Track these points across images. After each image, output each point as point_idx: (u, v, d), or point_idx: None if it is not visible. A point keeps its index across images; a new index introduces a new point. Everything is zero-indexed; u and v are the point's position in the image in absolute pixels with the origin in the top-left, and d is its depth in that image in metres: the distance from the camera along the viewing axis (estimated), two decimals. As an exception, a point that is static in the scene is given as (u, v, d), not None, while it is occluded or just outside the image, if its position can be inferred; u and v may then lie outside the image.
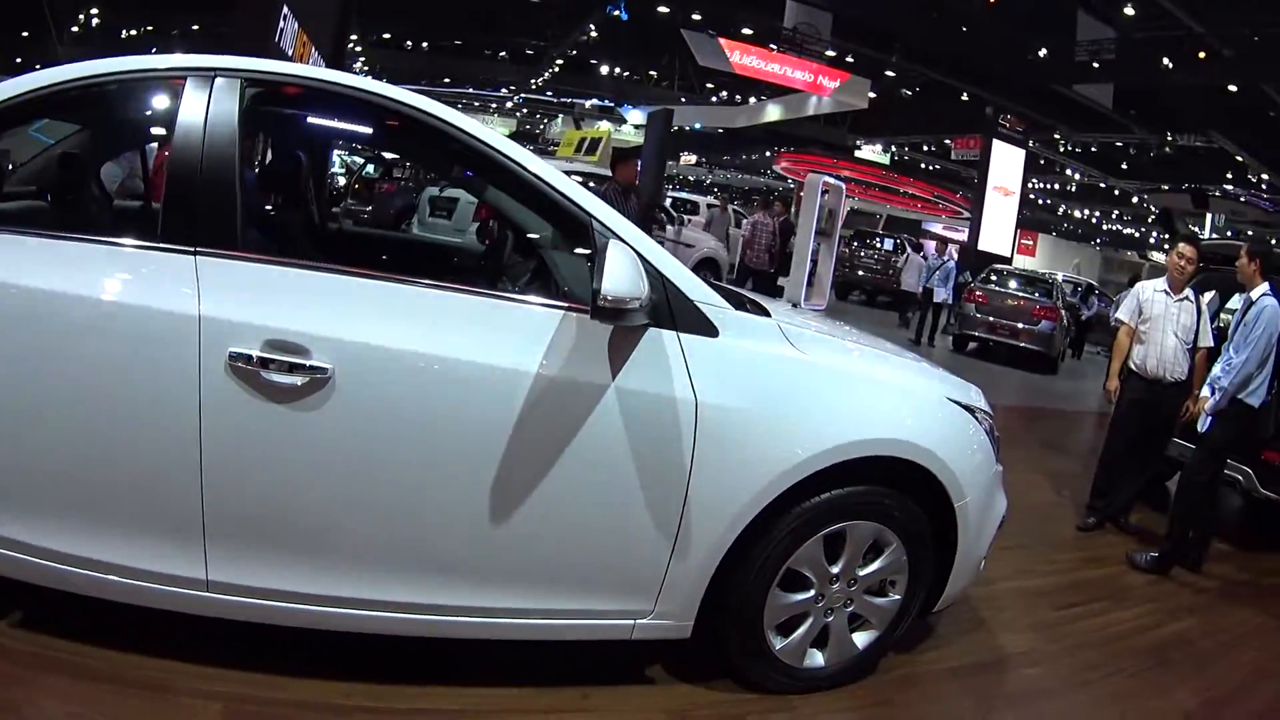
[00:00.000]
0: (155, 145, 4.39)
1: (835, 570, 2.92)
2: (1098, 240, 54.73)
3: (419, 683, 2.74)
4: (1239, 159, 30.10)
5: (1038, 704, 3.47)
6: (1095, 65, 24.48)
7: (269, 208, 4.07)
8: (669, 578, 2.65)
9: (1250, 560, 6.10)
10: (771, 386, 2.72)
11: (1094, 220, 49.67)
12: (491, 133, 2.73)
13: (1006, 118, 28.49)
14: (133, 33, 34.12)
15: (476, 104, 43.27)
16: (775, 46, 26.90)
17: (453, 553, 2.52)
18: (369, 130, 4.01)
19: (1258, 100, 24.71)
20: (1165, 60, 23.10)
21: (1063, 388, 14.83)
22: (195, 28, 34.77)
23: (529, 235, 3.49)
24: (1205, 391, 5.36)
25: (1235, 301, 6.43)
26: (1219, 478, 5.49)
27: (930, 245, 16.87)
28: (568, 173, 2.82)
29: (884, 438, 2.87)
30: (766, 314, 3.00)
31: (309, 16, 9.04)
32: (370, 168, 15.11)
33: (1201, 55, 22.67)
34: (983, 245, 27.69)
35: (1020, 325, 15.61)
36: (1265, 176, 31.73)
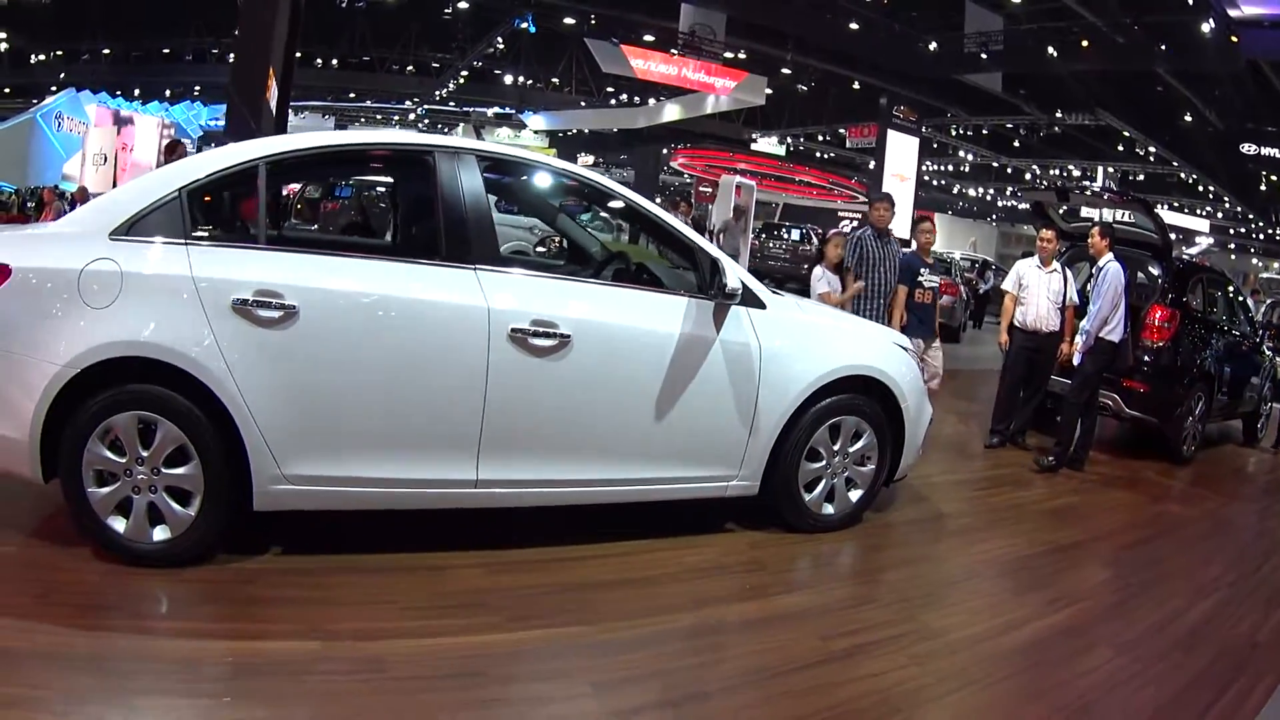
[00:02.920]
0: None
1: (836, 448, 4.93)
2: (993, 216, 57.96)
3: (596, 542, 4.54)
4: (1126, 134, 33.08)
5: (970, 535, 5.63)
6: (984, 56, 26.92)
7: None
8: (747, 452, 4.62)
9: (1124, 464, 8.42)
10: (797, 335, 4.75)
11: (989, 198, 52.49)
12: (637, 195, 4.70)
13: (900, 108, 30.50)
14: (41, 57, 34.80)
15: (379, 116, 44.00)
16: (675, 50, 28.81)
17: (634, 443, 4.38)
18: (538, 185, 5.64)
19: (1144, 79, 27.37)
20: (1050, 50, 25.47)
21: (965, 353, 17.13)
22: (106, 52, 35.69)
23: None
24: (1078, 338, 7.58)
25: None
26: (1094, 400, 7.74)
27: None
28: None
29: (860, 364, 4.92)
30: (782, 295, 5.05)
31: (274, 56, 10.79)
32: (310, 190, 15.98)
33: (1085, 44, 25.10)
34: (884, 230, 29.70)
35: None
36: (1152, 149, 34.77)
